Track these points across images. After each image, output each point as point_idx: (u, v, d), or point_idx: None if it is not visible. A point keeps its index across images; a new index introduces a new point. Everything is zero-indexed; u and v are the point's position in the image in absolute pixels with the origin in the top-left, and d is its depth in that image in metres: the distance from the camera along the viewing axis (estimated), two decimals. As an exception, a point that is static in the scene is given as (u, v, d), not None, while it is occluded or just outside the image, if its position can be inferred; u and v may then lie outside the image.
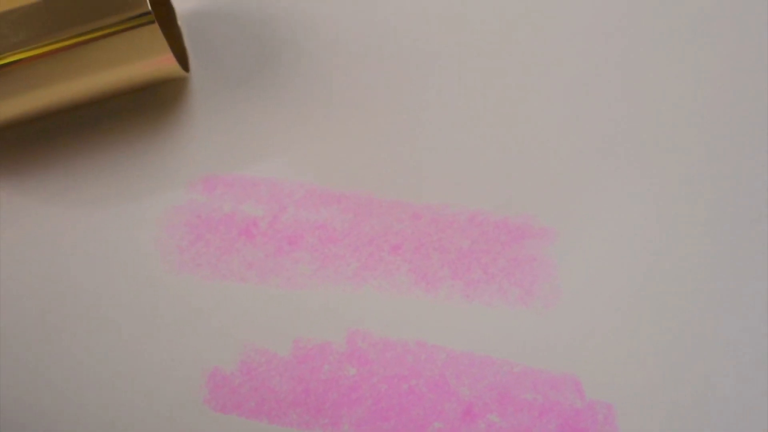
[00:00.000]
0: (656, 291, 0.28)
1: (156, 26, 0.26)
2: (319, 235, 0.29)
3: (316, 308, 0.28)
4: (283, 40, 0.30)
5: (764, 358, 0.27)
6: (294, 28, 0.31)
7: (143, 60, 0.28)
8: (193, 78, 0.30)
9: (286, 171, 0.29)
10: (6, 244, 0.29)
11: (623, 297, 0.28)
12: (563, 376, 0.27)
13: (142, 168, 0.29)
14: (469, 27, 0.30)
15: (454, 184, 0.29)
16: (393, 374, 0.27)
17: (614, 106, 0.29)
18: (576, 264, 0.28)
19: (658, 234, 0.28)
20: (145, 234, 0.29)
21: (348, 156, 0.29)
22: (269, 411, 0.27)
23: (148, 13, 0.26)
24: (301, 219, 0.29)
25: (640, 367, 0.27)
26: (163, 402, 0.27)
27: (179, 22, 0.31)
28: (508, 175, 0.29)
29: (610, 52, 0.30)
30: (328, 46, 0.30)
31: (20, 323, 0.28)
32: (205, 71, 0.30)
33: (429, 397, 0.27)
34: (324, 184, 0.29)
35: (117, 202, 0.29)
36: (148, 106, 0.30)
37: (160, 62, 0.28)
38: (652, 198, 0.29)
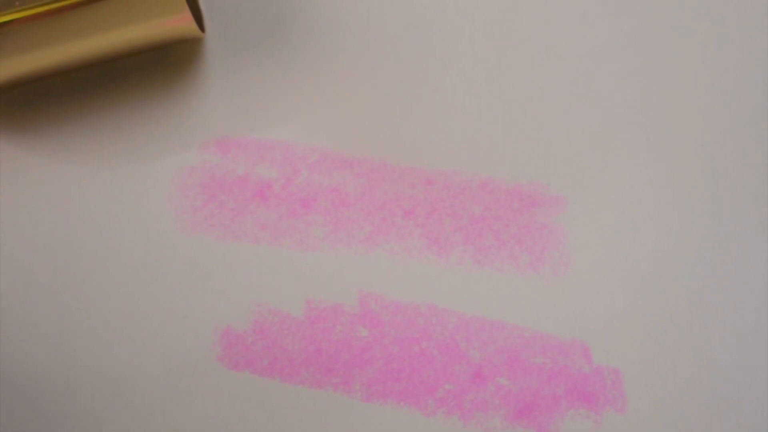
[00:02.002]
0: (664, 260, 0.28)
1: (175, -17, 0.26)
2: (332, 198, 0.29)
3: (328, 270, 0.28)
4: (298, 2, 0.30)
5: (770, 326, 0.27)
6: (310, -8, 0.30)
7: (160, 18, 0.27)
8: (208, 39, 0.30)
9: (300, 135, 0.29)
10: (18, 204, 0.29)
11: (632, 266, 0.28)
12: (572, 341, 0.27)
13: (156, 128, 0.29)
14: (486, -5, 0.30)
15: (467, 151, 0.29)
16: (404, 336, 0.27)
17: (628, 76, 0.30)
18: (586, 232, 0.28)
19: (668, 203, 0.29)
20: (159, 194, 0.29)
21: (362, 121, 0.29)
22: (281, 369, 0.27)
23: (167, -30, 0.26)
24: (314, 182, 0.29)
25: (647, 334, 0.27)
26: (177, 359, 0.27)
27: (195, -17, 0.30)
28: (521, 143, 0.29)
29: (626, 21, 0.30)
30: (343, 8, 0.30)
31: (33, 284, 0.28)
32: (221, 32, 0.30)
33: (439, 359, 0.27)
34: (337, 148, 0.29)
35: (131, 162, 0.29)
36: (163, 66, 0.30)
37: (176, 21, 0.28)
38: (662, 168, 0.29)
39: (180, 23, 0.28)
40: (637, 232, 0.28)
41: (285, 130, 0.29)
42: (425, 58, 0.30)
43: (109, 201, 0.29)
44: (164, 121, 0.29)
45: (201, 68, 0.30)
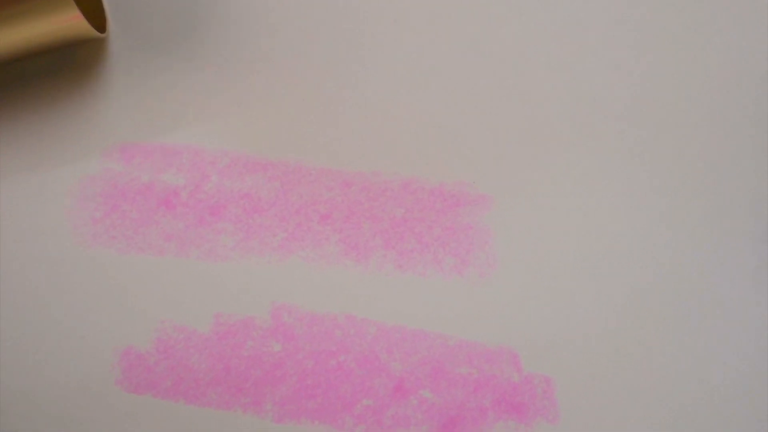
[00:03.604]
0: (594, 260, 0.26)
1: (58, -22, 0.24)
2: (243, 204, 0.27)
3: (239, 282, 0.26)
4: (206, 3, 0.29)
5: (705, 323, 0.26)
6: (219, -12, 0.29)
7: (48, 17, 0.26)
8: (111, 40, 0.28)
9: (209, 139, 0.28)
10: None
11: (561, 266, 0.26)
12: (499, 348, 0.26)
13: (54, 135, 0.27)
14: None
15: (388, 151, 0.27)
16: (320, 350, 0.25)
17: (551, 71, 0.28)
18: (513, 232, 0.27)
19: (596, 201, 0.27)
20: (56, 205, 0.27)
21: (275, 122, 0.28)
22: (186, 391, 0.25)
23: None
24: (224, 188, 0.27)
25: (579, 339, 0.26)
26: (72, 383, 0.25)
27: (95, -19, 0.29)
28: (444, 141, 0.28)
29: (551, 14, 0.29)
30: (252, 7, 0.29)
31: None
32: (125, 33, 0.28)
33: (358, 373, 0.25)
34: (250, 151, 0.28)
35: (24, 171, 0.27)
36: (63, 69, 0.28)
37: (67, 20, 0.26)
38: (589, 164, 0.27)
39: (71, 22, 0.26)
40: (567, 230, 0.27)
41: (193, 134, 0.28)
42: (342, 54, 0.28)
43: (2, 213, 0.27)
44: (63, 126, 0.28)
45: (104, 70, 0.28)
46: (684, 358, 0.25)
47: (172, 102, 0.28)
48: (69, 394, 0.25)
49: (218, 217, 0.27)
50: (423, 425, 0.25)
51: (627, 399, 0.25)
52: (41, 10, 0.25)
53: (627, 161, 0.27)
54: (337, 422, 0.25)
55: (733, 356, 0.25)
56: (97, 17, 0.29)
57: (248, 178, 0.27)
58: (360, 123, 0.28)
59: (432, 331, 0.26)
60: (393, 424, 0.25)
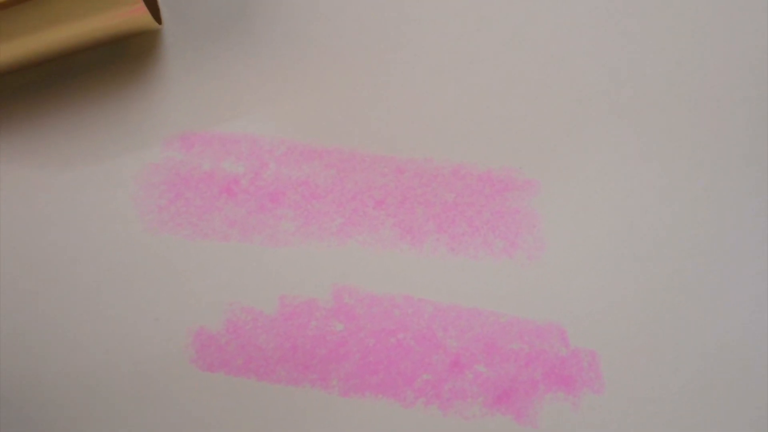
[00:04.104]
0: (639, 241, 0.28)
1: (126, -26, 0.25)
2: (301, 191, 0.28)
3: (300, 265, 0.27)
4: (258, -9, 0.29)
5: (747, 303, 0.28)
6: (269, -22, 0.30)
7: (113, 10, 0.26)
8: (166, 30, 0.29)
9: (266, 127, 0.29)
10: (-25, 207, 0.28)
11: (606, 248, 0.28)
12: (548, 325, 0.27)
13: (116, 126, 0.28)
14: (450, -24, 0.30)
15: (438, 138, 0.29)
16: (380, 328, 0.27)
17: (599, 56, 0.29)
18: (560, 215, 0.28)
19: (639, 185, 0.28)
20: (122, 193, 0.28)
21: (330, 111, 0.29)
22: (257, 368, 0.27)
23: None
24: (282, 175, 0.28)
25: (622, 315, 0.27)
26: (149, 363, 0.26)
27: (149, -28, 0.29)
28: (492, 127, 0.29)
29: (596, 3, 0.30)
30: (305, -4, 0.29)
31: (-5, 288, 0.27)
32: (179, 23, 0.29)
33: (417, 349, 0.27)
34: (305, 139, 0.29)
35: (91, 162, 0.28)
36: (121, 60, 0.29)
37: (130, 13, 0.27)
38: (635, 148, 0.29)
39: (134, 14, 0.27)
40: (611, 213, 0.28)
41: (250, 123, 0.29)
42: (393, 43, 0.29)
43: (71, 203, 0.28)
44: (124, 117, 0.29)
45: (160, 61, 0.29)
46: (724, 333, 0.27)
47: (228, 91, 0.29)
48: (148, 373, 0.26)
49: (278, 203, 0.28)
50: (479, 397, 0.27)
51: (667, 371, 0.27)
52: (105, 4, 0.26)
53: (670, 146, 0.29)
54: (399, 395, 0.26)
55: None
56: (151, 8, 0.29)
57: (305, 165, 0.28)
58: (411, 111, 0.29)
59: (485, 310, 0.27)
60: (451, 396, 0.27)
